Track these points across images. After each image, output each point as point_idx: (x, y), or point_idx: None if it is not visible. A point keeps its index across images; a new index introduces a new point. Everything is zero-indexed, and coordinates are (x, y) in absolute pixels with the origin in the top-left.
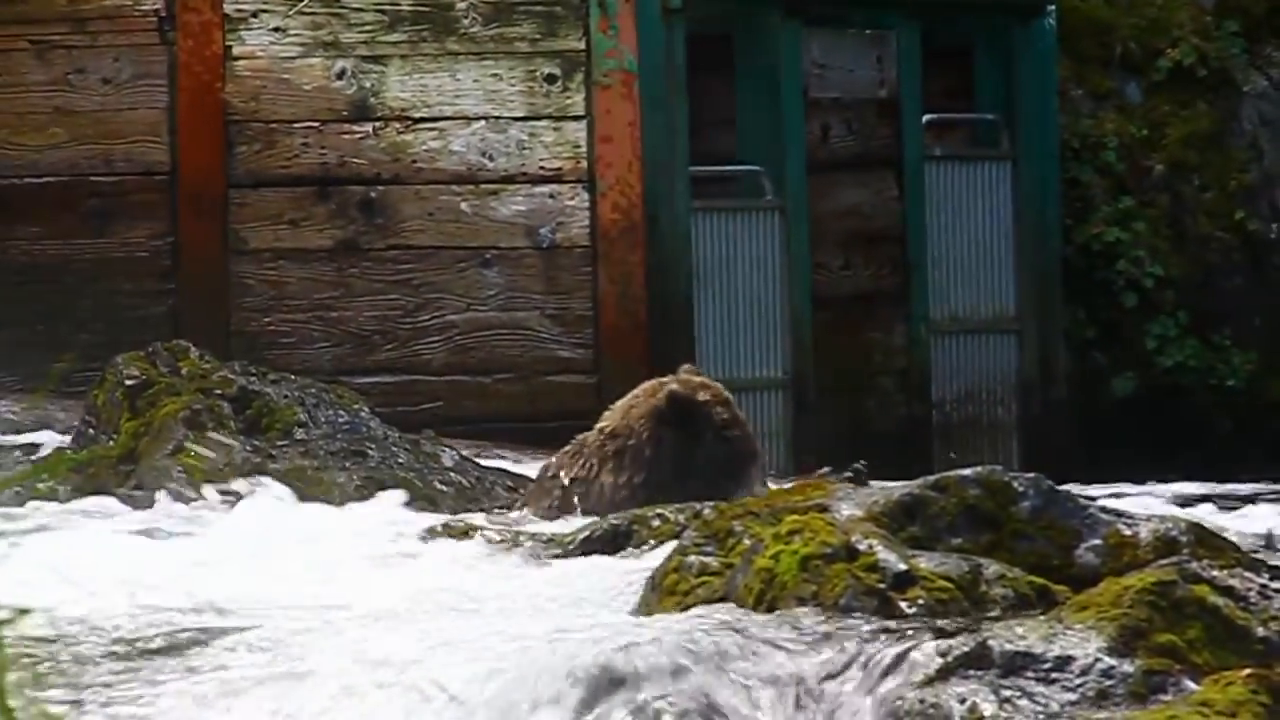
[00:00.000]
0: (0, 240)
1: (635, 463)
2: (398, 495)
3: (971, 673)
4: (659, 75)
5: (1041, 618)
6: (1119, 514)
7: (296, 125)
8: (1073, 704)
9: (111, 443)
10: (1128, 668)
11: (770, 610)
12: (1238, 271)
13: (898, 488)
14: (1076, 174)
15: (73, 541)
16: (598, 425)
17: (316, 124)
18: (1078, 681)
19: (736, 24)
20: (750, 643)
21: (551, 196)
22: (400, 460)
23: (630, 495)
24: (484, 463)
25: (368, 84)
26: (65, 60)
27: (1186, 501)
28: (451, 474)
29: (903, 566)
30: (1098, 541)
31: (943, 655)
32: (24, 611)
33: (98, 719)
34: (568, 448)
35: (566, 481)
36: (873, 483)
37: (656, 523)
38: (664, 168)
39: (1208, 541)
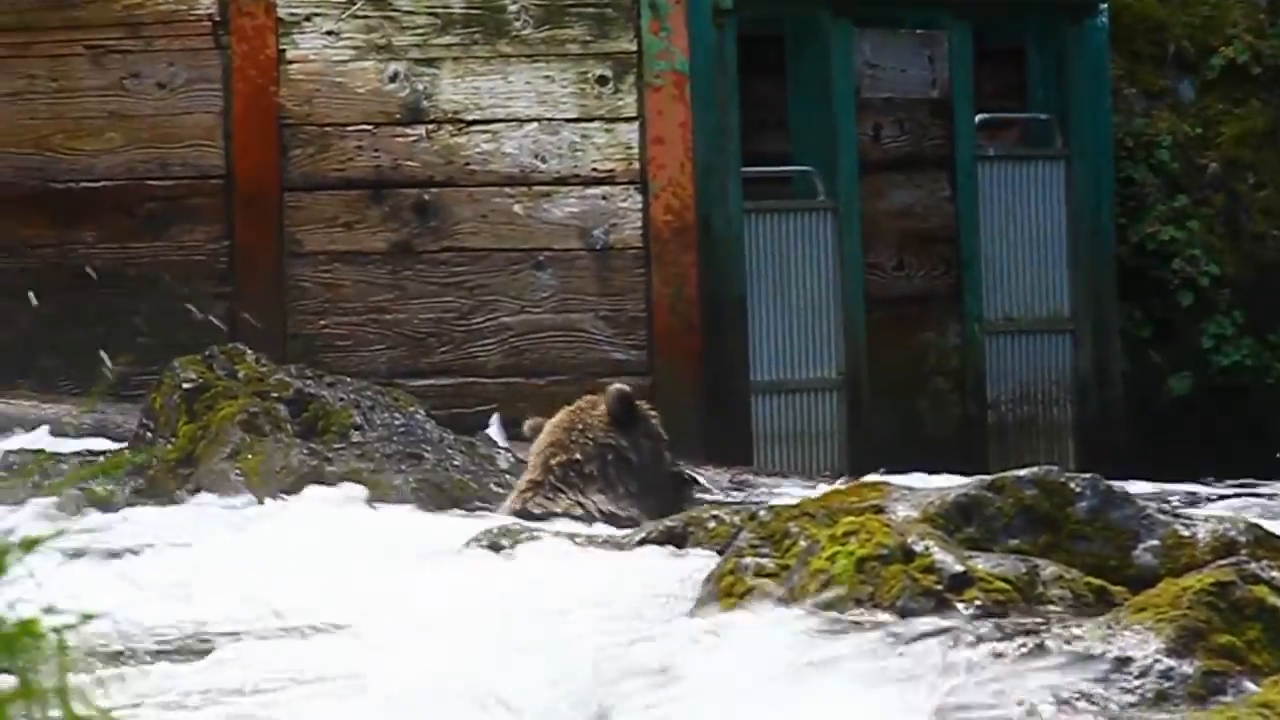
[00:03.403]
0: (58, 244)
1: (620, 473)
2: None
3: (1030, 673)
4: (710, 76)
5: (1099, 619)
6: (1176, 514)
7: (350, 128)
8: (1131, 705)
9: (169, 446)
10: (1187, 669)
11: (827, 612)
12: None
13: (954, 489)
14: (1130, 173)
15: (134, 544)
16: (550, 459)
17: (370, 127)
18: (1136, 683)
19: (788, 24)
20: (806, 644)
21: (604, 198)
22: (456, 463)
23: (627, 507)
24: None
25: (420, 87)
26: (120, 65)
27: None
28: (507, 476)
29: (959, 568)
30: (1155, 542)
31: (1000, 656)
32: (86, 616)
33: None
34: (526, 489)
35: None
36: (928, 483)
37: (712, 524)
38: (716, 169)
39: (1266, 542)
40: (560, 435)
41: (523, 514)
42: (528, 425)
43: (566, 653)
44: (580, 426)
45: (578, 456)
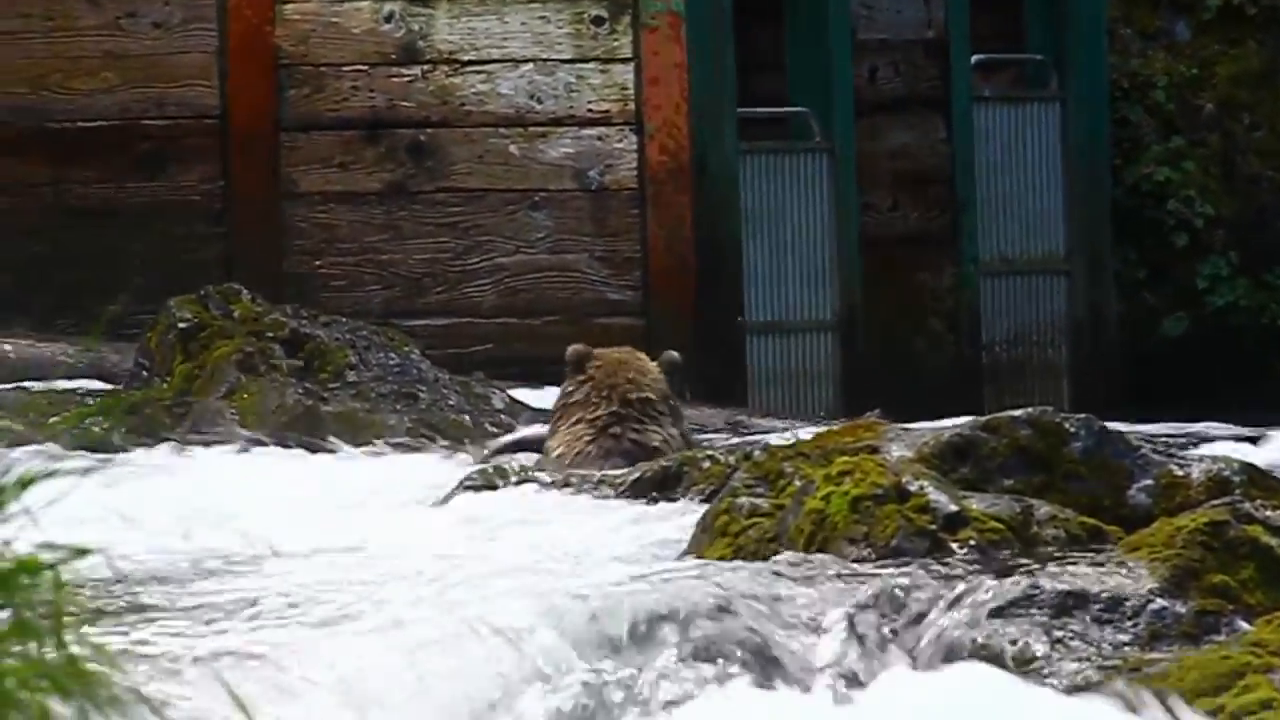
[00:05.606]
0: (53, 184)
1: (676, 419)
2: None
3: (1023, 613)
4: (706, 17)
5: (1093, 558)
6: (1171, 454)
7: (345, 68)
8: (1125, 644)
9: (165, 385)
10: (1180, 608)
11: (821, 551)
12: None
13: (948, 429)
14: (1126, 114)
15: (130, 482)
16: (627, 394)
17: (365, 67)
18: (1130, 622)
19: None
20: (801, 584)
21: (599, 139)
22: (451, 402)
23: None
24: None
25: (416, 27)
26: (116, 4)
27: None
28: (502, 416)
29: (954, 508)
30: (1150, 482)
31: (994, 596)
32: (81, 551)
33: (153, 657)
34: (607, 421)
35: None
36: (922, 424)
37: (706, 464)
38: (711, 110)
39: (1260, 482)
40: (632, 374)
41: (614, 449)
42: (572, 350)
43: (560, 592)
44: (645, 370)
45: (651, 396)
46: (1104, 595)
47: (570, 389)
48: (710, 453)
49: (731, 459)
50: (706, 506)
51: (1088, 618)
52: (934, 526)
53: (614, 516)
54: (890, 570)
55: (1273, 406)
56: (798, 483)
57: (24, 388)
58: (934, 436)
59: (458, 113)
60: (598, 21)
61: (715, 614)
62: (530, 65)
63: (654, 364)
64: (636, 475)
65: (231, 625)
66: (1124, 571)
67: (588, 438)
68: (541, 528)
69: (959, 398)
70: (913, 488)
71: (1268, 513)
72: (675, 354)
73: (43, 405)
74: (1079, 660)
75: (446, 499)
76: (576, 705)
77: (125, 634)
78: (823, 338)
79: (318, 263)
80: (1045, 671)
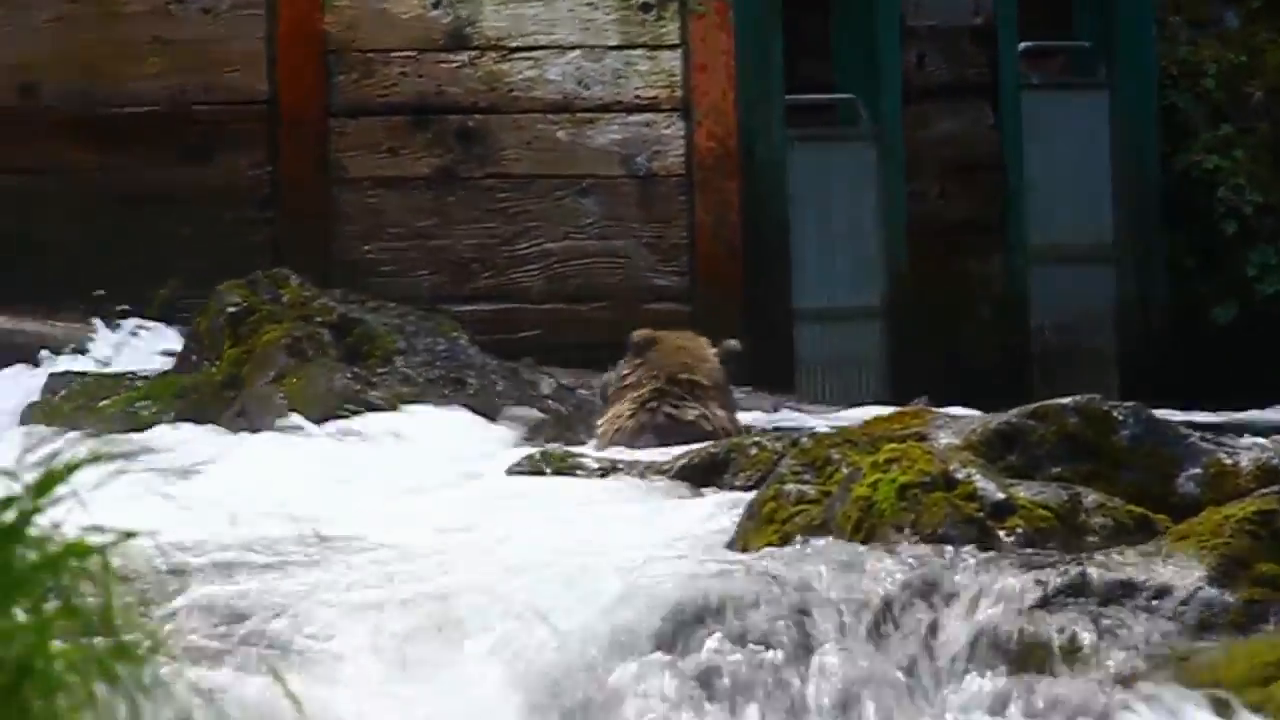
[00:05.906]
0: (102, 169)
1: (728, 399)
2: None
3: (1070, 602)
4: (754, 3)
5: (1141, 547)
6: (1219, 443)
7: (394, 54)
8: (1173, 633)
9: (214, 369)
10: (1229, 598)
11: (868, 539)
12: None
13: (996, 417)
14: (1175, 101)
15: (179, 466)
16: (676, 374)
17: (413, 53)
18: (1178, 611)
19: None
20: (847, 571)
21: (647, 125)
22: (499, 388)
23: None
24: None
25: (464, 13)
26: None
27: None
28: (550, 401)
29: (1001, 495)
30: (1198, 470)
31: (1041, 584)
32: (129, 535)
33: (201, 643)
34: (650, 398)
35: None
36: (970, 411)
37: (754, 451)
38: (759, 96)
39: None
40: (686, 358)
41: (648, 424)
42: (637, 335)
43: (608, 577)
44: (701, 355)
45: (700, 379)
46: (1152, 584)
47: (625, 371)
48: (757, 439)
49: (779, 445)
50: (754, 493)
51: (1135, 607)
52: (981, 514)
53: (660, 503)
54: (936, 558)
55: None
56: (845, 470)
57: (74, 371)
58: (982, 424)
59: (506, 99)
60: (645, 8)
61: (761, 602)
62: (578, 51)
63: (713, 350)
64: (684, 461)
65: (280, 611)
66: (1172, 561)
67: (628, 414)
68: (588, 515)
69: (1007, 385)
70: (960, 475)
71: None
72: (735, 342)
73: (92, 388)
74: (1126, 650)
75: (491, 485)
76: (623, 695)
77: (173, 619)
78: (869, 325)
79: (366, 248)
80: (1092, 661)
